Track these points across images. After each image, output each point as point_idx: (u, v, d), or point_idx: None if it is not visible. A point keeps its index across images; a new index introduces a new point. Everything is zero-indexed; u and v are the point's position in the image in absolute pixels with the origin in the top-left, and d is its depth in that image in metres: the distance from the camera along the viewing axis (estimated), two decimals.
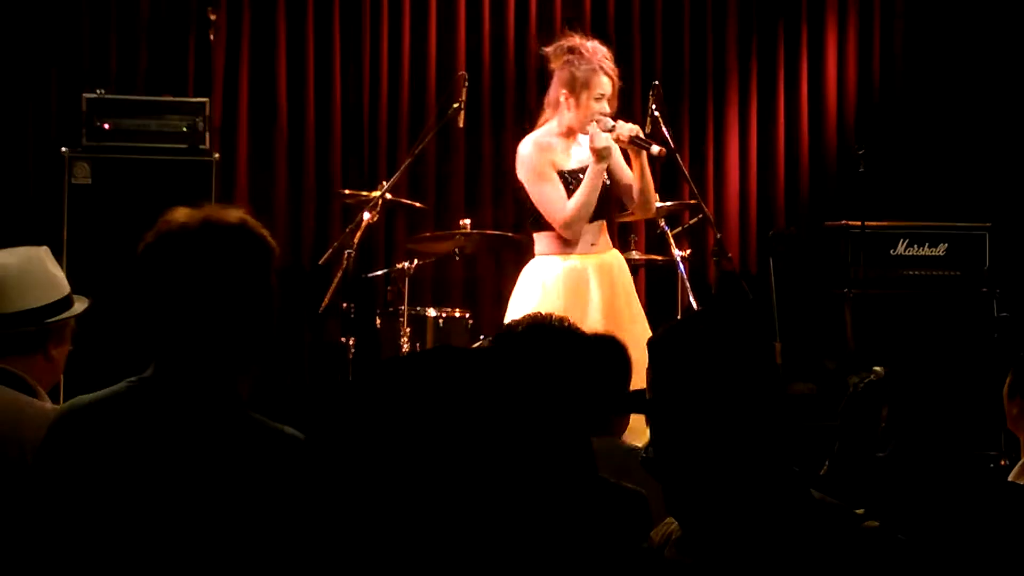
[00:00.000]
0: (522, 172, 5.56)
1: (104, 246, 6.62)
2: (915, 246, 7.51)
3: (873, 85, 8.32)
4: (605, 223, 5.65)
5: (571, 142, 5.57)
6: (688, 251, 6.77)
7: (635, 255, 7.07)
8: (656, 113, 6.22)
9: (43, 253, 2.90)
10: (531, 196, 5.54)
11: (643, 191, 5.58)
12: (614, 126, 5.43)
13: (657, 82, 6.47)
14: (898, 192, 8.12)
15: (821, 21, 8.26)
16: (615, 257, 5.69)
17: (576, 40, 5.58)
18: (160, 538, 2.22)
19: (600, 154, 5.45)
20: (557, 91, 5.54)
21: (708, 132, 8.17)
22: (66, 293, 2.86)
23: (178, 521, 2.22)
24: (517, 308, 5.47)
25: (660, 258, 6.95)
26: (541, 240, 5.61)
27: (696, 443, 2.01)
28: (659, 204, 6.61)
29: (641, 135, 5.47)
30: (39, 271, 2.82)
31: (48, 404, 2.75)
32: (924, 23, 8.31)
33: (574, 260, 5.53)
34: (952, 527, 2.35)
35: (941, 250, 7.53)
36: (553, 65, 5.58)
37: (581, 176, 5.50)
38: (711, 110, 8.17)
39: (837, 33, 8.28)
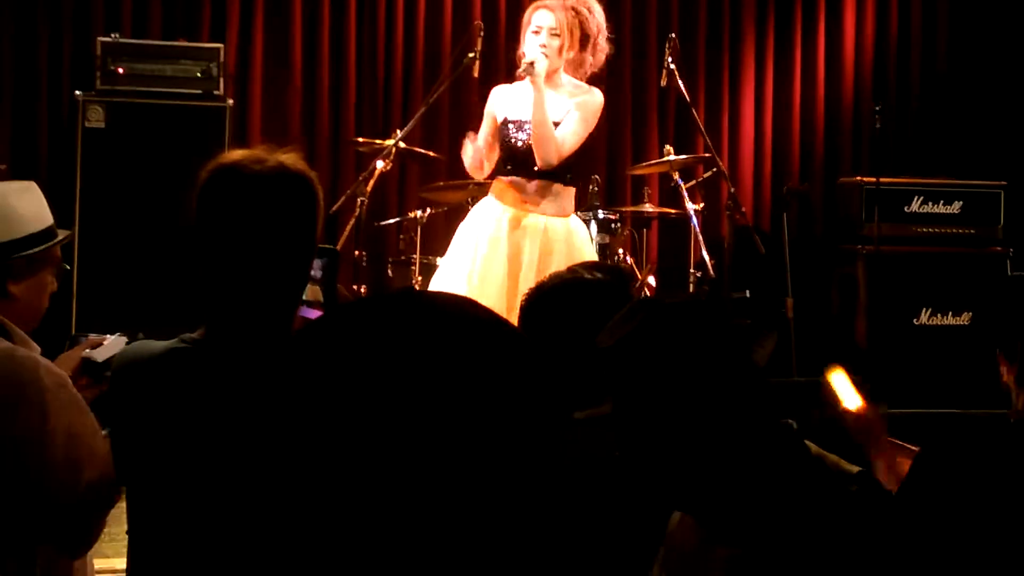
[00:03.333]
0: None
1: (117, 189, 6.63)
2: (930, 203, 7.48)
3: (890, 41, 8.26)
4: (541, 183, 5.47)
5: (526, 88, 5.48)
6: (702, 205, 6.74)
7: (648, 208, 7.05)
8: (672, 66, 6.19)
9: (13, 189, 2.84)
10: None
11: (536, 128, 5.42)
12: (533, 60, 5.38)
13: (673, 35, 6.43)
14: (913, 149, 8.09)
15: None
16: (540, 221, 5.46)
17: None
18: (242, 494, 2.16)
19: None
20: None
21: (723, 86, 8.12)
22: (33, 231, 2.80)
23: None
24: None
25: (673, 211, 6.93)
26: None
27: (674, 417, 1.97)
28: (672, 157, 6.59)
29: (535, 65, 5.36)
30: (0, 208, 2.77)
31: (21, 349, 2.69)
32: None
33: (498, 209, 5.52)
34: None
35: (956, 208, 7.50)
36: None
37: (514, 126, 5.51)
38: (727, 64, 8.13)
39: None
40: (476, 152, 5.56)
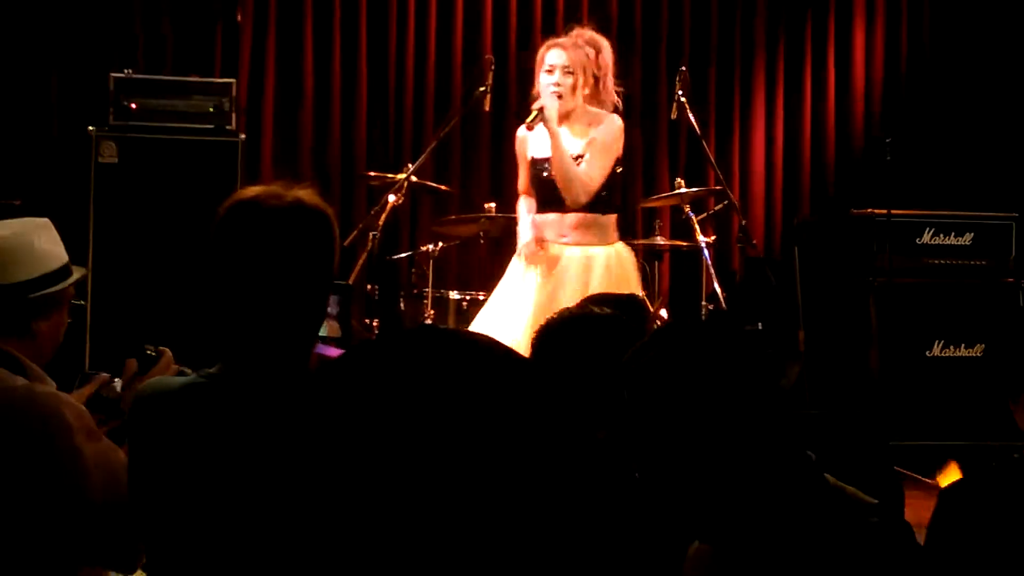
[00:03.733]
0: None
1: (130, 225, 6.65)
2: (941, 235, 7.48)
3: (900, 73, 8.28)
4: (578, 216, 5.53)
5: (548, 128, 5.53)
6: (713, 237, 6.75)
7: (659, 240, 7.06)
8: (683, 98, 6.21)
9: (33, 227, 2.86)
10: None
11: (559, 173, 5.51)
12: (541, 107, 5.45)
13: (684, 67, 6.45)
14: (925, 181, 8.09)
15: (849, 7, 8.22)
16: (579, 253, 5.54)
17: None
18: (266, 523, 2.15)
19: None
20: None
21: (734, 118, 8.14)
22: (53, 268, 2.83)
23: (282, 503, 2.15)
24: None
25: (685, 244, 6.93)
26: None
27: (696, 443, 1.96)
28: (683, 190, 6.60)
29: (543, 112, 5.44)
30: (23, 246, 2.80)
31: (40, 385, 2.71)
32: (952, 11, 8.27)
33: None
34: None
35: (967, 240, 7.49)
36: None
37: (541, 164, 5.57)
38: (738, 96, 8.15)
39: (865, 20, 8.24)
40: (531, 214, 5.63)
